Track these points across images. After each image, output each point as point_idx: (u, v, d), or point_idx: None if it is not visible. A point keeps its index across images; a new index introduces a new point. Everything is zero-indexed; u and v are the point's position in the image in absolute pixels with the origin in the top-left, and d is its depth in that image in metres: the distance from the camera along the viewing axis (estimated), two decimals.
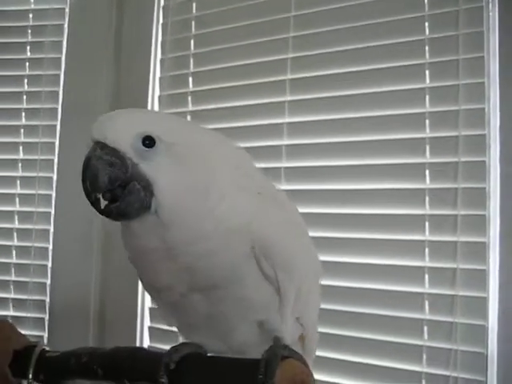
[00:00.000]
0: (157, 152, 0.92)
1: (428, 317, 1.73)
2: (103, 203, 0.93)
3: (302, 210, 1.83)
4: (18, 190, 2.49)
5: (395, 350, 1.75)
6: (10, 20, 2.57)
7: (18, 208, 2.49)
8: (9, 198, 2.49)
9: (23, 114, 2.52)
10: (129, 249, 1.00)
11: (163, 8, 2.36)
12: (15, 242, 2.47)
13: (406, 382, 1.74)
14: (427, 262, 1.74)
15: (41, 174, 2.46)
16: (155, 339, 2.24)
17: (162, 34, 2.36)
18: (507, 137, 1.66)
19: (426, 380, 1.71)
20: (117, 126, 0.93)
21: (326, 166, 1.94)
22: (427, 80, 1.79)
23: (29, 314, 2.41)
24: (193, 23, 2.29)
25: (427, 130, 1.78)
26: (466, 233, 1.69)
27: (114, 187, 0.92)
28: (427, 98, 1.79)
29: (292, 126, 2.01)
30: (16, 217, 2.48)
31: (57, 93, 2.48)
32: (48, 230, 2.44)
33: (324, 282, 1.79)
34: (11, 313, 2.44)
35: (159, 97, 2.33)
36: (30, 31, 2.54)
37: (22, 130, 2.52)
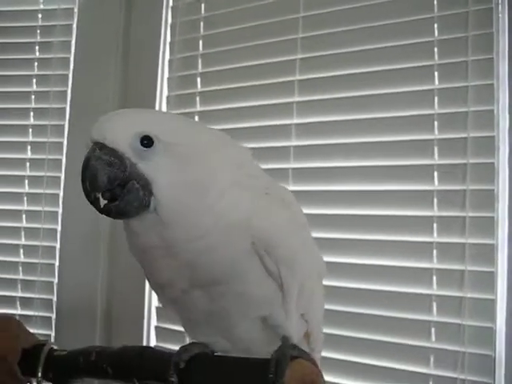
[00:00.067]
0: (155, 151, 0.93)
1: (436, 319, 1.72)
2: (102, 202, 0.94)
3: (309, 210, 1.86)
4: (26, 190, 2.51)
5: (403, 352, 1.75)
6: (19, 20, 2.58)
7: (25, 207, 2.50)
8: (17, 197, 2.50)
9: (31, 113, 2.53)
10: (131, 246, 1.02)
11: (172, 8, 2.37)
12: (23, 241, 2.48)
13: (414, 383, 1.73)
14: (435, 264, 1.74)
15: (49, 174, 2.47)
16: (162, 339, 2.25)
17: (171, 35, 2.36)
18: None
19: (433, 382, 1.70)
20: (115, 126, 0.94)
21: (333, 167, 1.94)
22: (436, 81, 1.79)
23: (36, 313, 2.42)
24: (201, 24, 2.29)
25: (436, 131, 1.78)
26: (475, 235, 1.68)
27: (113, 187, 0.93)
28: (436, 99, 1.78)
29: (300, 127, 2.01)
30: (24, 216, 2.50)
31: (65, 93, 2.49)
32: (55, 230, 2.45)
33: (332, 282, 1.82)
34: (18, 311, 2.45)
35: (167, 97, 2.34)
36: (38, 31, 2.55)
37: (31, 130, 2.53)
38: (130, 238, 1.00)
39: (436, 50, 1.79)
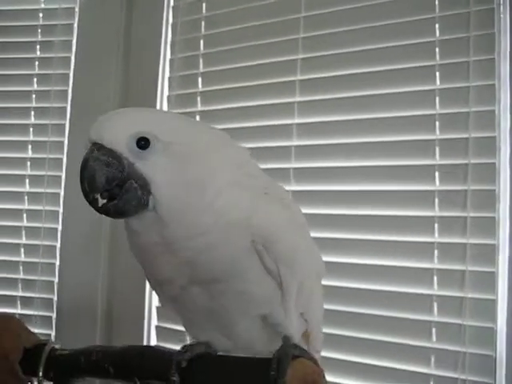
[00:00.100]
0: (153, 151, 0.93)
1: (436, 319, 1.72)
2: (101, 202, 0.95)
3: (310, 210, 1.86)
4: (27, 189, 2.50)
5: (403, 352, 1.75)
6: (20, 19, 2.58)
7: (26, 206, 2.49)
8: (17, 197, 2.50)
9: (32, 112, 2.53)
10: (131, 245, 1.03)
11: (173, 8, 2.37)
12: (23, 240, 2.48)
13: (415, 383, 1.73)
14: (436, 264, 1.74)
15: (49, 173, 2.47)
16: (162, 338, 2.25)
17: (172, 34, 2.36)
18: None
19: (434, 382, 1.70)
20: (113, 127, 0.94)
21: (335, 167, 1.94)
22: (437, 82, 1.78)
23: (36, 312, 2.42)
24: (202, 23, 2.29)
25: (437, 131, 1.78)
26: (476, 235, 1.68)
27: (111, 187, 0.94)
28: (437, 99, 1.78)
29: (301, 127, 2.01)
30: (24, 215, 2.49)
31: (66, 92, 2.49)
32: (56, 229, 2.45)
33: (333, 282, 1.82)
34: (19, 311, 2.45)
35: (168, 97, 2.34)
36: (39, 30, 2.55)
37: (31, 129, 2.53)
38: (131, 236, 1.01)
39: (437, 50, 1.79)
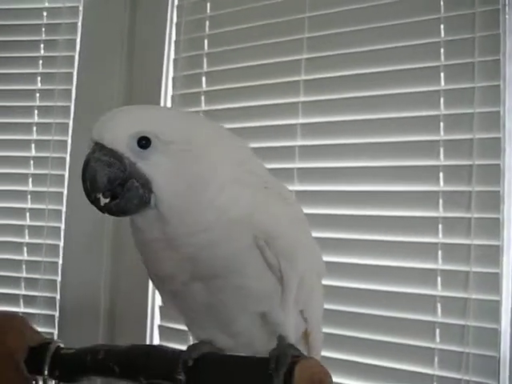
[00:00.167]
0: (154, 151, 0.94)
1: (440, 319, 1.72)
2: (103, 201, 0.96)
3: (314, 210, 1.86)
4: (30, 188, 2.51)
5: (407, 353, 1.75)
6: (24, 18, 2.58)
7: (29, 205, 2.50)
8: (20, 195, 2.50)
9: (36, 111, 2.53)
10: (135, 241, 1.04)
11: (177, 7, 2.37)
12: (26, 239, 2.48)
13: None
14: (440, 265, 1.74)
15: (53, 172, 2.48)
16: (165, 338, 2.25)
17: (176, 34, 2.36)
18: None
19: (437, 383, 1.70)
20: (113, 127, 0.94)
21: (339, 167, 1.94)
22: (442, 82, 1.78)
23: (39, 311, 2.42)
24: (207, 23, 2.29)
25: (442, 132, 1.77)
26: (480, 236, 1.68)
27: (113, 186, 0.94)
28: (442, 100, 1.78)
29: (305, 127, 2.01)
30: (27, 214, 2.50)
31: (70, 91, 2.50)
32: (59, 228, 2.45)
33: (337, 282, 1.82)
34: (22, 309, 2.45)
35: (172, 96, 2.34)
36: (43, 29, 2.55)
37: (35, 128, 2.53)
38: (135, 233, 1.02)
39: (442, 50, 1.79)
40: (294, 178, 1.98)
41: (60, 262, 2.44)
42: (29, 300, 2.45)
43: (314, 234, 1.22)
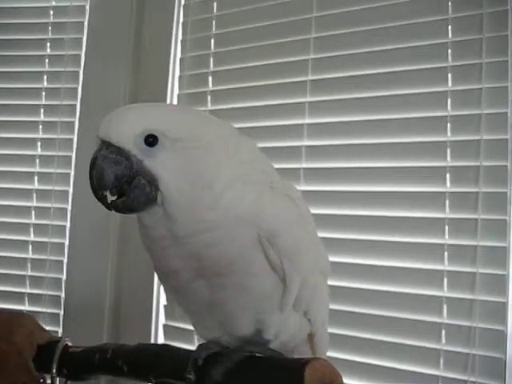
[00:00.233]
0: (161, 148, 0.94)
1: (446, 321, 1.71)
2: (110, 198, 0.97)
3: (320, 211, 1.86)
4: (36, 186, 2.51)
5: (413, 354, 1.75)
6: (30, 17, 2.58)
7: (35, 204, 2.50)
8: (26, 194, 2.51)
9: (42, 110, 2.53)
10: (142, 237, 1.04)
11: (184, 7, 2.37)
12: (32, 238, 2.49)
13: None
14: (446, 266, 1.73)
15: (58, 171, 2.48)
16: (170, 337, 2.24)
17: (183, 33, 2.35)
18: None
19: None
20: (120, 125, 0.94)
21: (345, 167, 1.94)
22: (450, 83, 1.78)
23: (44, 309, 2.42)
24: (213, 22, 2.28)
25: (449, 133, 1.77)
26: (487, 237, 1.68)
27: (120, 184, 0.95)
28: (449, 101, 1.77)
29: (312, 127, 2.01)
30: (33, 212, 2.50)
31: (76, 90, 2.49)
32: (64, 226, 2.45)
33: (343, 283, 1.82)
34: (26, 307, 2.45)
35: (178, 95, 2.34)
36: (50, 28, 2.55)
37: (41, 126, 2.53)
38: (141, 230, 1.03)
39: (450, 51, 1.78)
40: (300, 178, 1.98)
41: (65, 260, 2.44)
42: (34, 298, 2.45)
43: (320, 234, 1.21)
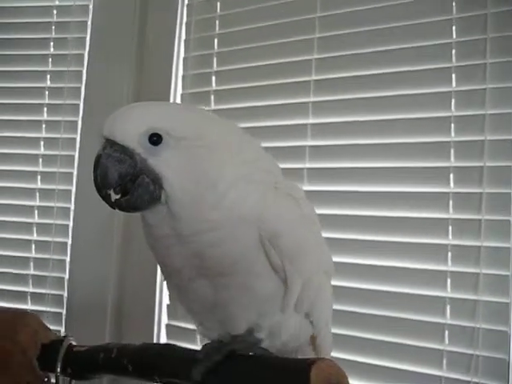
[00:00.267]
0: (165, 147, 0.94)
1: (449, 321, 1.71)
2: (114, 197, 0.97)
3: (323, 211, 1.86)
4: (39, 185, 2.51)
5: (416, 354, 1.74)
6: (34, 16, 2.59)
7: (38, 203, 2.50)
8: (29, 193, 2.51)
9: (45, 109, 2.54)
10: (146, 236, 1.04)
11: (187, 6, 2.37)
12: (35, 237, 2.49)
13: None
14: (450, 267, 1.73)
15: (61, 170, 2.48)
16: (172, 337, 2.24)
17: (186, 33, 2.36)
18: None
19: None
20: (125, 123, 0.95)
21: (349, 167, 1.94)
22: (454, 84, 1.78)
23: (46, 309, 2.42)
24: (217, 22, 2.29)
25: (453, 133, 1.77)
26: (490, 238, 1.67)
27: (124, 182, 0.95)
28: (453, 101, 1.77)
29: (316, 127, 2.00)
30: (36, 211, 2.50)
31: (79, 89, 2.50)
32: (67, 226, 2.46)
33: (345, 283, 1.82)
34: (29, 307, 2.45)
35: (182, 95, 2.34)
36: (53, 27, 2.56)
37: (44, 126, 2.53)
38: (145, 228, 1.03)
39: (454, 51, 1.78)
40: (303, 178, 1.98)
41: (68, 259, 2.44)
42: (36, 297, 2.45)
43: (323, 234, 1.21)
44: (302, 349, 1.20)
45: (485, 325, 1.65)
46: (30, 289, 2.46)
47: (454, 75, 1.78)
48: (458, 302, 1.71)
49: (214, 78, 2.27)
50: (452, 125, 1.77)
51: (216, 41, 2.28)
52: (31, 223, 2.49)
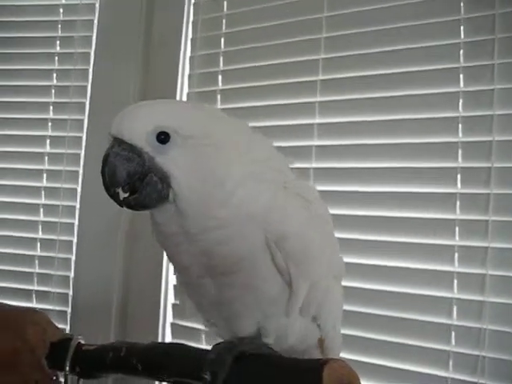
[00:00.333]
0: (173, 145, 0.94)
1: (456, 322, 1.71)
2: (122, 195, 0.97)
3: (330, 211, 1.84)
4: (44, 184, 2.51)
5: (422, 355, 1.74)
6: (40, 14, 2.59)
7: (43, 201, 2.51)
8: (35, 191, 2.51)
9: (51, 107, 2.54)
10: (155, 233, 1.04)
11: (194, 5, 2.37)
12: (40, 235, 2.49)
13: None
14: (456, 267, 1.73)
15: (67, 168, 2.48)
16: (177, 336, 2.25)
17: (192, 31, 2.35)
18: None
19: None
20: (133, 122, 0.95)
21: (355, 167, 1.93)
22: (461, 84, 1.77)
23: (51, 307, 2.43)
24: (223, 21, 2.28)
25: (460, 134, 1.77)
26: (497, 239, 1.67)
27: (132, 181, 0.95)
28: (461, 101, 1.77)
29: (322, 127, 2.00)
30: (41, 210, 2.50)
31: (85, 88, 2.50)
32: (73, 224, 2.46)
33: (352, 284, 1.81)
34: (34, 305, 2.46)
35: (188, 94, 2.34)
36: (60, 26, 2.56)
37: (50, 124, 2.54)
38: (154, 226, 1.03)
39: (462, 52, 1.78)
40: (310, 178, 1.98)
41: (73, 258, 2.44)
42: (41, 296, 2.46)
43: (333, 233, 1.20)
44: (310, 351, 1.18)
45: (491, 326, 1.64)
46: (35, 287, 2.47)
47: (461, 75, 1.78)
48: (464, 302, 1.71)
49: (220, 77, 2.27)
50: (460, 125, 1.77)
51: (222, 40, 2.28)
52: (37, 221, 2.50)
